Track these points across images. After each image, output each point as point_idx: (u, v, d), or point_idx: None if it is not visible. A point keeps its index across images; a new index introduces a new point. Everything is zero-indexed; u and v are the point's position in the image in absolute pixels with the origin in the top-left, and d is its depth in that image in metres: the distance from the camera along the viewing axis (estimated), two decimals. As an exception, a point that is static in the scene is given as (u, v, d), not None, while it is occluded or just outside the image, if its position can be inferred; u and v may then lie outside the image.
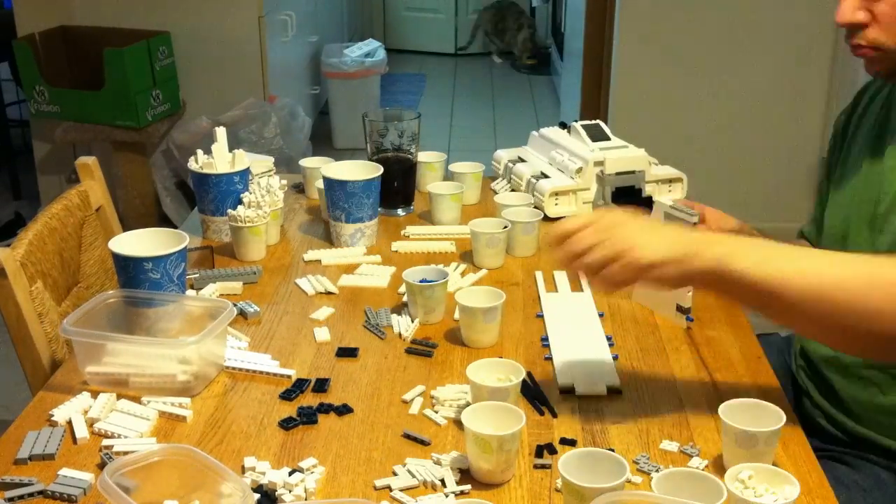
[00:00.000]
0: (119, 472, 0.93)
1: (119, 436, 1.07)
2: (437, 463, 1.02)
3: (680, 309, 1.32)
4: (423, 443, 1.07)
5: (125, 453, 1.02)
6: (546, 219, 1.65)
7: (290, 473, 0.99)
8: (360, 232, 1.55)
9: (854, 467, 1.22)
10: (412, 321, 1.32)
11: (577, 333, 1.30)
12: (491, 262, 1.50)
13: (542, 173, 1.72)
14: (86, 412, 1.11)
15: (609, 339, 1.28)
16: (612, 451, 1.04)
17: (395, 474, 1.01)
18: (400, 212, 1.72)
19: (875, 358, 1.17)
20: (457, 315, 1.30)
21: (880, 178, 1.22)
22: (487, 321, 1.25)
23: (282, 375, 1.20)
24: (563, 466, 0.91)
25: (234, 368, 1.21)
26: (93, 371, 1.17)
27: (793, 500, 0.90)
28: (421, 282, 1.32)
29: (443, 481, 0.99)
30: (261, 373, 1.21)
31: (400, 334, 1.30)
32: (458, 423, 1.09)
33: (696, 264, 1.01)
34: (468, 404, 1.07)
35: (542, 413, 1.13)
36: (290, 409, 1.13)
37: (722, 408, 1.01)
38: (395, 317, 1.34)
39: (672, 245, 1.02)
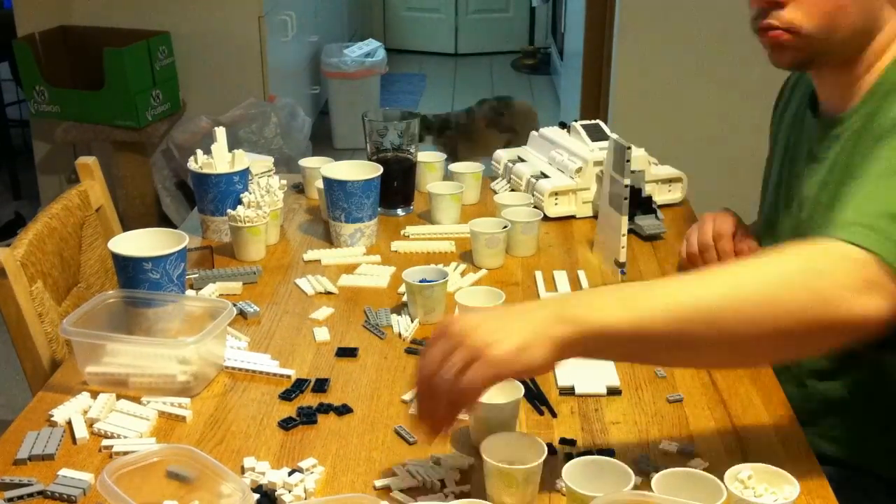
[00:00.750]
0: (118, 473, 0.92)
1: (119, 436, 1.07)
2: (437, 463, 1.02)
3: (616, 263, 1.39)
4: (408, 441, 1.06)
5: (125, 453, 1.02)
6: (546, 218, 1.65)
7: (290, 473, 0.99)
8: (359, 232, 1.55)
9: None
10: (412, 321, 1.32)
11: None
12: (491, 262, 1.50)
13: (542, 173, 1.72)
14: (85, 412, 1.11)
15: None
16: (612, 451, 1.04)
17: (394, 474, 1.01)
18: (400, 212, 1.72)
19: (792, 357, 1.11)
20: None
21: (799, 181, 1.22)
22: (427, 297, 1.28)
23: (281, 375, 1.20)
24: (567, 474, 0.90)
25: (233, 368, 1.21)
26: (92, 371, 1.17)
27: (793, 499, 0.90)
28: (421, 282, 1.32)
29: (442, 482, 0.99)
30: (260, 373, 1.21)
31: (400, 334, 1.30)
32: (457, 424, 1.09)
33: (557, 335, 0.88)
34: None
35: (541, 413, 1.13)
36: (289, 410, 1.13)
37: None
38: (394, 317, 1.34)
39: (523, 326, 0.88)
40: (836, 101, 1.18)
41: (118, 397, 1.14)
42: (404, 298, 1.38)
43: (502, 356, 0.88)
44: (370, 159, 1.69)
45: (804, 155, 1.24)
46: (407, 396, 1.15)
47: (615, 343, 0.90)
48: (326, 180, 1.56)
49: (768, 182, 1.39)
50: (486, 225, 1.50)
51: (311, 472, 1.01)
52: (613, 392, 1.16)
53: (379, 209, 1.61)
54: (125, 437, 1.07)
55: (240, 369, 1.21)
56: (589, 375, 1.18)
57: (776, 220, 1.31)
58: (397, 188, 1.69)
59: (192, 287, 1.41)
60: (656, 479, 0.91)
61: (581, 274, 1.47)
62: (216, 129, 1.61)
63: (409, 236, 1.62)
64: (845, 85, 1.15)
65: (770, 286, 0.89)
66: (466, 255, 1.54)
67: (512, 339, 0.88)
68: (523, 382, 1.14)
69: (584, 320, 0.88)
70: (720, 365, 1.11)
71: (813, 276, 0.89)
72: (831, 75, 1.17)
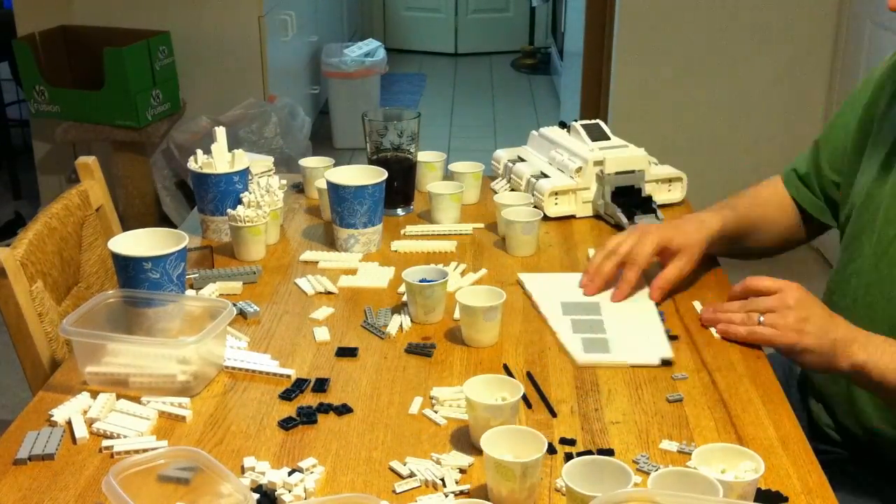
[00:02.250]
0: (123, 474, 0.92)
1: (118, 436, 1.07)
2: (438, 462, 1.02)
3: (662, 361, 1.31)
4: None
5: (126, 453, 1.02)
6: (546, 218, 1.66)
7: (290, 473, 0.99)
8: (353, 238, 1.54)
9: (853, 475, 1.23)
10: (411, 321, 1.32)
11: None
12: (526, 249, 1.53)
13: (542, 173, 1.72)
14: (85, 412, 1.11)
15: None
16: (612, 451, 1.04)
17: (395, 473, 1.01)
18: (400, 211, 1.72)
19: None
20: (457, 314, 1.30)
21: None
22: (488, 319, 1.25)
23: (281, 375, 1.20)
24: (567, 474, 0.90)
25: (233, 368, 1.21)
26: (92, 371, 1.17)
27: (761, 473, 0.93)
28: (421, 281, 1.32)
29: (443, 480, 0.99)
30: (260, 372, 1.21)
31: (401, 329, 1.30)
32: (457, 423, 1.09)
33: (837, 363, 1.17)
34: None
35: (529, 406, 1.13)
36: (289, 409, 1.13)
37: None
38: (395, 317, 1.34)
39: (822, 340, 1.16)
40: None
41: (118, 397, 1.14)
42: (404, 298, 1.38)
43: (791, 343, 1.17)
44: (370, 159, 1.69)
45: None
46: (412, 410, 1.15)
47: (881, 391, 1.17)
48: (327, 182, 1.55)
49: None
50: (517, 214, 1.54)
51: (311, 472, 1.01)
52: (666, 363, 1.22)
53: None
54: (125, 437, 1.07)
55: (240, 369, 1.21)
56: (641, 346, 1.23)
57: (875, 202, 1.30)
58: (397, 188, 1.69)
59: (192, 287, 1.42)
60: (653, 478, 0.91)
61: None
62: (216, 128, 1.61)
63: (408, 235, 1.62)
64: None
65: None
66: (466, 255, 1.54)
67: (810, 340, 1.16)
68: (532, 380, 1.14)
69: (865, 370, 1.15)
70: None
71: None
72: None
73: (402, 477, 1.00)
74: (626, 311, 1.35)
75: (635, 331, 1.30)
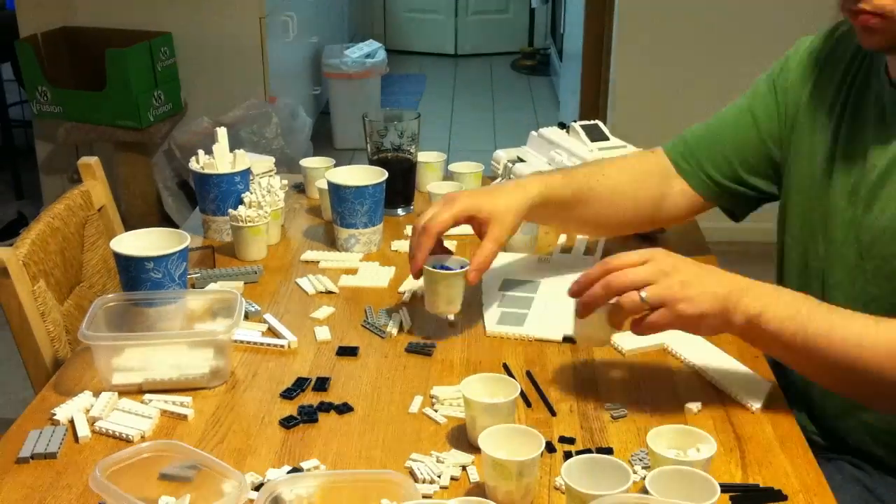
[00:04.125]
0: (110, 470, 0.93)
1: (121, 434, 1.08)
2: (439, 461, 1.03)
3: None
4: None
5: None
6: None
7: (291, 472, 1.00)
8: (353, 238, 1.55)
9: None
10: (433, 312, 1.28)
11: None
12: (525, 248, 1.54)
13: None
14: (87, 411, 1.12)
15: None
16: (611, 449, 1.05)
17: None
18: (400, 212, 1.72)
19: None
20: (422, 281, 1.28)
21: (863, 152, 1.20)
22: (450, 286, 1.25)
23: (282, 346, 1.26)
24: (567, 472, 0.91)
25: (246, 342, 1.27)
26: (119, 382, 1.17)
27: (713, 454, 0.95)
28: (441, 268, 1.27)
29: (444, 478, 1.00)
30: (265, 345, 1.26)
31: (401, 324, 1.31)
32: (457, 422, 1.10)
33: (732, 319, 1.06)
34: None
35: (528, 405, 1.14)
36: (290, 408, 1.14)
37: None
38: (395, 316, 1.34)
39: (713, 298, 1.05)
40: None
41: (120, 396, 1.15)
42: (405, 297, 1.38)
43: (687, 316, 1.05)
44: (370, 159, 1.70)
45: (871, 119, 1.21)
46: (412, 409, 1.15)
47: (774, 346, 1.08)
48: (328, 182, 1.56)
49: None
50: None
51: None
52: (569, 340, 1.25)
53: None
54: (127, 436, 1.07)
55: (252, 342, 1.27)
56: (553, 323, 1.25)
57: (824, 182, 1.26)
58: (397, 188, 1.70)
59: (193, 286, 1.42)
60: (650, 476, 0.91)
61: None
62: (217, 129, 1.62)
63: (409, 235, 1.62)
64: None
65: None
66: (466, 255, 1.54)
67: (702, 305, 1.05)
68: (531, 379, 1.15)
69: (758, 322, 1.05)
70: (845, 394, 1.19)
71: None
72: None
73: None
74: (563, 290, 1.21)
75: (561, 310, 1.23)
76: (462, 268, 1.26)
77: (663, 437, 0.99)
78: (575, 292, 1.11)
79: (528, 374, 1.21)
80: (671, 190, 1.42)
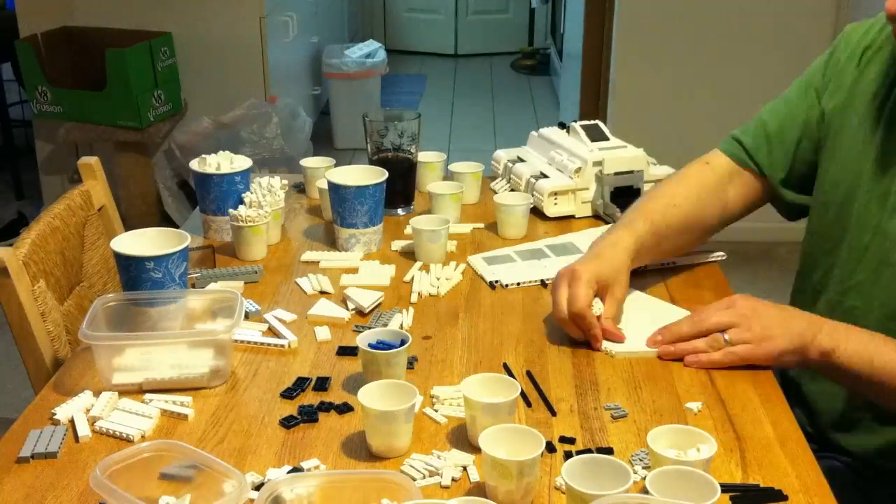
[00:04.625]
0: (110, 470, 0.93)
1: (121, 434, 1.08)
2: (442, 460, 1.03)
3: None
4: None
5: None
6: (545, 218, 1.67)
7: (291, 472, 1.00)
8: (354, 238, 1.55)
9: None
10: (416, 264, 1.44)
11: None
12: (516, 232, 1.62)
13: (542, 173, 1.72)
14: (88, 411, 1.12)
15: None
16: (612, 449, 1.05)
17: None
18: (400, 211, 1.73)
19: None
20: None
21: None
22: (433, 241, 1.47)
23: (281, 345, 1.25)
24: (567, 472, 0.91)
25: (246, 342, 1.27)
26: (119, 381, 1.17)
27: (713, 454, 0.96)
28: (379, 346, 1.18)
29: (444, 478, 1.00)
30: (266, 345, 1.26)
31: (401, 328, 1.31)
32: (457, 422, 1.10)
33: (808, 355, 1.17)
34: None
35: (529, 404, 1.14)
36: (290, 408, 1.14)
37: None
38: (396, 316, 1.34)
39: (792, 337, 1.17)
40: None
41: (120, 395, 1.15)
42: (412, 298, 1.38)
43: (769, 353, 1.17)
44: (371, 159, 1.70)
45: None
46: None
47: (847, 379, 1.18)
48: (328, 182, 1.56)
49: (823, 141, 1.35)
50: (511, 198, 1.63)
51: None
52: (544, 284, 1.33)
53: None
54: (128, 436, 1.07)
55: (252, 342, 1.27)
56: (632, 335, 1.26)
57: (857, 183, 1.27)
58: (398, 188, 1.70)
59: (193, 286, 1.42)
60: (651, 476, 0.91)
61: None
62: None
63: (409, 235, 1.62)
64: None
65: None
66: (466, 255, 1.55)
67: (782, 342, 1.17)
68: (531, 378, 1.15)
69: (831, 358, 1.15)
70: None
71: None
72: None
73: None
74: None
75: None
76: (403, 343, 1.16)
77: (663, 437, 0.99)
78: (661, 343, 1.24)
79: (529, 373, 1.21)
80: (728, 196, 1.44)
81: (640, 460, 1.03)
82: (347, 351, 1.26)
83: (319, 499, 0.93)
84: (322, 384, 1.19)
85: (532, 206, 1.65)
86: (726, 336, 1.19)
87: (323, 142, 4.34)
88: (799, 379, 1.35)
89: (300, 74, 4.30)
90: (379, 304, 1.38)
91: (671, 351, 1.23)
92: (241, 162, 1.60)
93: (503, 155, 1.86)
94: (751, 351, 1.18)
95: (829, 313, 1.24)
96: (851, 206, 1.27)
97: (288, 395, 1.16)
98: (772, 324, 1.18)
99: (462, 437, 1.07)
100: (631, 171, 1.67)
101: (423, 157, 1.79)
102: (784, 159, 1.39)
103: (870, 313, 1.23)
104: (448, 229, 1.52)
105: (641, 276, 1.42)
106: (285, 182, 1.68)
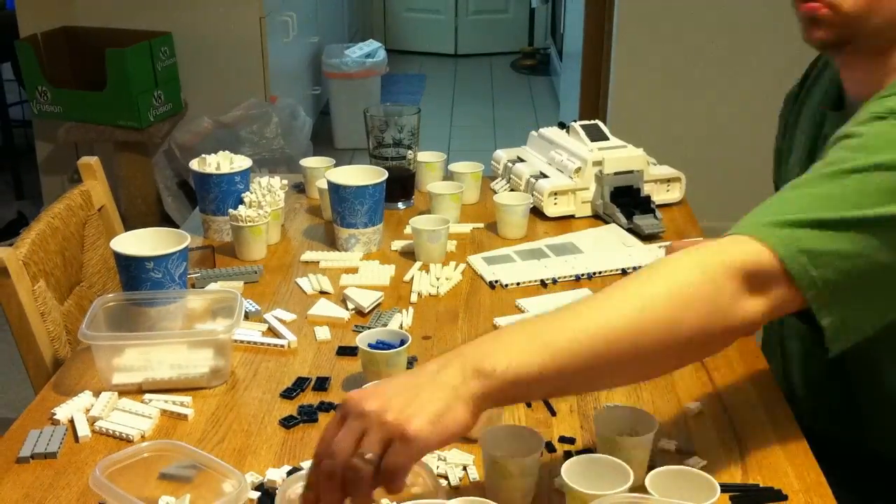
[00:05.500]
0: (109, 470, 0.93)
1: (121, 434, 1.08)
2: (442, 460, 1.03)
3: None
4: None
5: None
6: (545, 218, 1.67)
7: (291, 472, 1.00)
8: (353, 238, 1.55)
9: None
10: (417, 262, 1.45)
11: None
12: (516, 232, 1.61)
13: (542, 173, 1.72)
14: (87, 411, 1.12)
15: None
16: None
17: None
18: (400, 205, 1.73)
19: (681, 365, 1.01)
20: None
21: None
22: (432, 241, 1.47)
23: (281, 345, 1.25)
24: (566, 473, 0.90)
25: (246, 342, 1.27)
26: (119, 376, 1.17)
27: (655, 429, 0.97)
28: (378, 345, 1.18)
29: (446, 478, 1.00)
30: (265, 345, 1.26)
31: (401, 328, 1.31)
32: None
33: (470, 393, 0.83)
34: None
35: (528, 405, 1.14)
36: (290, 408, 1.14)
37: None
38: (396, 316, 1.34)
39: (435, 392, 0.83)
40: (862, 93, 1.11)
41: (120, 395, 1.15)
42: (412, 298, 1.38)
43: (422, 430, 0.81)
44: (371, 154, 1.71)
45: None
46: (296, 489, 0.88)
47: (533, 386, 0.85)
48: (328, 182, 1.56)
49: (782, 177, 1.31)
50: (511, 198, 1.63)
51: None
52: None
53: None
54: (128, 436, 1.07)
55: (252, 342, 1.27)
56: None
57: None
58: (398, 182, 1.70)
59: (193, 286, 1.42)
60: (650, 476, 0.91)
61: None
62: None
63: (408, 235, 1.62)
64: (873, 76, 1.09)
65: (674, 306, 0.88)
66: (465, 255, 1.55)
67: (428, 409, 0.81)
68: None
69: (495, 372, 0.83)
70: (629, 382, 1.10)
71: (712, 289, 0.89)
72: (861, 63, 1.11)
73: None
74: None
75: None
76: (402, 343, 1.15)
77: (613, 421, 1.00)
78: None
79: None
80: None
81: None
82: (347, 351, 1.26)
83: None
84: (322, 384, 1.19)
85: (532, 205, 1.65)
86: (367, 454, 0.81)
87: (323, 142, 4.34)
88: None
89: (300, 74, 4.30)
90: (378, 304, 1.38)
91: None
92: (241, 162, 1.60)
93: (503, 155, 1.86)
94: (404, 449, 0.81)
95: None
96: None
97: (288, 395, 1.16)
98: (402, 402, 0.82)
99: (462, 438, 1.07)
100: (631, 171, 1.67)
101: (422, 157, 1.79)
102: None
103: None
104: (448, 229, 1.52)
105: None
106: (285, 182, 1.68)
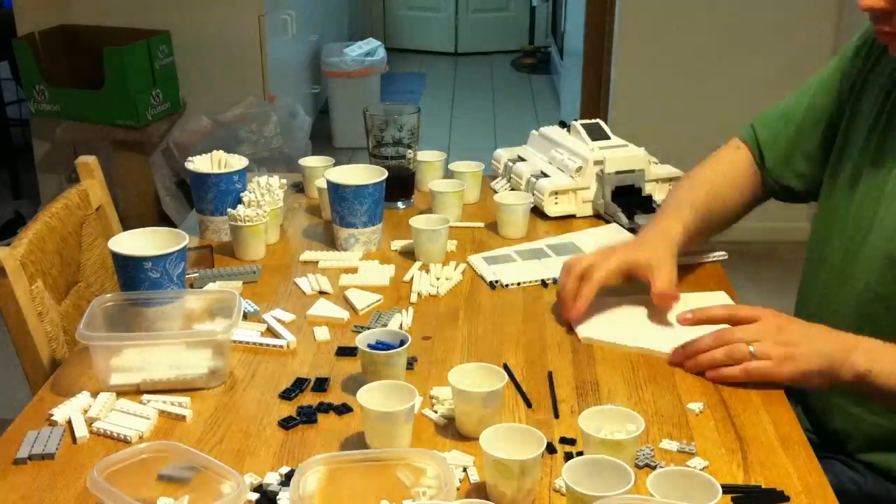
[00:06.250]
0: (107, 471, 0.92)
1: (119, 435, 1.07)
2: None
3: None
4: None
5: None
6: (546, 218, 1.66)
7: (289, 473, 0.99)
8: (353, 237, 1.54)
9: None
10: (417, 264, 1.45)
11: None
12: (516, 231, 1.61)
13: (542, 172, 1.72)
14: (85, 411, 1.11)
15: None
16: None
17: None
18: (400, 205, 1.72)
19: None
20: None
21: (886, 171, 1.22)
22: (432, 241, 1.47)
23: (280, 345, 1.24)
24: (567, 474, 0.90)
25: (245, 342, 1.27)
26: (117, 382, 1.16)
27: (642, 430, 0.98)
28: (378, 346, 1.18)
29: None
30: (264, 345, 1.26)
31: (401, 328, 1.31)
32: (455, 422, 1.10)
33: (840, 377, 1.11)
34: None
35: (529, 405, 1.13)
36: (289, 409, 1.13)
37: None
38: (396, 316, 1.34)
39: (820, 359, 1.12)
40: None
41: (118, 396, 1.14)
42: (412, 298, 1.38)
43: (790, 374, 1.13)
44: (371, 153, 1.70)
45: None
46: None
47: (885, 398, 1.12)
48: (327, 181, 1.55)
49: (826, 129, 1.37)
50: (510, 198, 1.63)
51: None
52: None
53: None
54: (125, 437, 1.07)
55: (250, 343, 1.26)
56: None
57: (859, 176, 1.28)
58: (398, 181, 1.69)
59: (192, 286, 1.42)
60: (652, 477, 0.91)
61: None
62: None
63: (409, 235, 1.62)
64: None
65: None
66: (465, 255, 1.54)
67: (810, 362, 1.12)
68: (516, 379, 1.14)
69: (866, 379, 1.10)
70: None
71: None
72: None
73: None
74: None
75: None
76: (402, 343, 1.15)
77: (594, 417, 1.00)
78: (683, 355, 1.20)
79: (550, 374, 1.20)
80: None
81: (647, 456, 1.02)
82: (346, 351, 1.26)
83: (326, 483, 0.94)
84: (321, 385, 1.18)
85: (532, 205, 1.64)
86: (751, 348, 1.15)
87: (322, 141, 4.33)
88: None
89: (299, 73, 4.29)
90: (376, 305, 1.37)
91: (690, 365, 1.19)
92: (236, 161, 1.60)
93: (503, 154, 1.85)
94: (770, 370, 1.13)
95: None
96: (846, 200, 1.27)
97: (287, 395, 1.16)
98: (798, 342, 1.13)
99: (463, 438, 1.07)
100: (632, 171, 1.67)
101: (422, 156, 1.78)
102: (794, 155, 1.43)
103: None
104: (448, 229, 1.51)
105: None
106: (284, 181, 1.67)
